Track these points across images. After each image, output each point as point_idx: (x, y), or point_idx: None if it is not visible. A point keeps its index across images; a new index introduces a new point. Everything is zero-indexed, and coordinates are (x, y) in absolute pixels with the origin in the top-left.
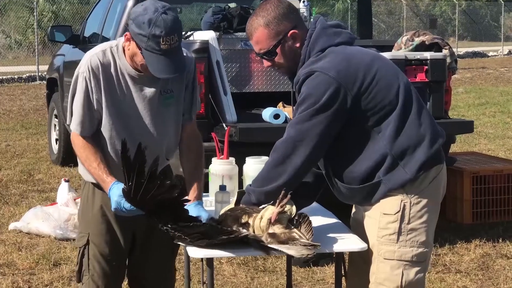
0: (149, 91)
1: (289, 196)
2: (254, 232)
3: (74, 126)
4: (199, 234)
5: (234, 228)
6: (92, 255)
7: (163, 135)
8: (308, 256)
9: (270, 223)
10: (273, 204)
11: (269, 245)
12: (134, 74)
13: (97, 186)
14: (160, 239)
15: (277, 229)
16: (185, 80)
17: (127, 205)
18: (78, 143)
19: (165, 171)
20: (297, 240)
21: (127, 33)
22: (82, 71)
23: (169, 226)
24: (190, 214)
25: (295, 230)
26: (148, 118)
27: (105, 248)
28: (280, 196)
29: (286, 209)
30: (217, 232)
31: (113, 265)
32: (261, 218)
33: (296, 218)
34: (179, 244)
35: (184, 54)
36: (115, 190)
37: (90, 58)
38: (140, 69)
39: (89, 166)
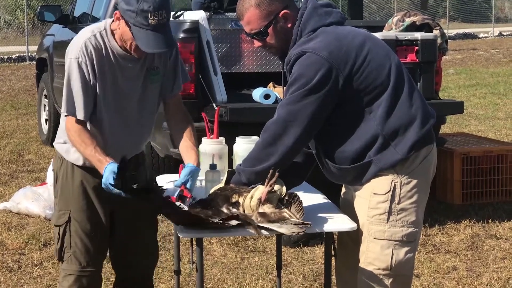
0: (137, 69)
1: (277, 174)
2: (244, 211)
3: (72, 111)
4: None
5: (224, 208)
6: (73, 231)
7: (150, 112)
8: (299, 234)
9: (260, 202)
10: (263, 184)
11: (259, 224)
12: (123, 54)
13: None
14: (141, 215)
15: (267, 208)
16: (169, 58)
17: (113, 188)
18: (73, 128)
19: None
20: (287, 219)
21: (116, 11)
22: (76, 56)
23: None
24: (184, 175)
25: (285, 210)
26: (137, 96)
27: (86, 224)
28: (269, 175)
29: (276, 188)
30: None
31: (95, 241)
32: (251, 197)
33: (286, 198)
34: (157, 222)
35: None
36: (109, 169)
37: (84, 43)
38: (129, 49)
39: (84, 150)
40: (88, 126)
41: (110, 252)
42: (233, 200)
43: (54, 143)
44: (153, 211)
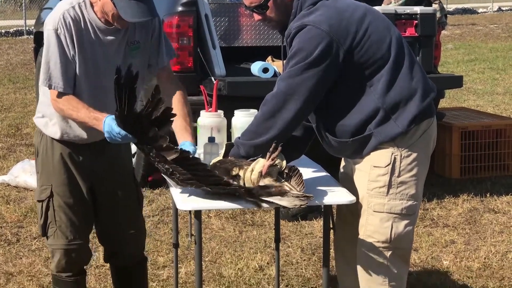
0: (117, 42)
1: (279, 148)
2: (244, 184)
3: (55, 84)
4: (190, 175)
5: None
6: (57, 206)
7: None
8: (301, 206)
9: (261, 176)
10: (264, 157)
11: (260, 197)
12: (103, 27)
13: (55, 139)
14: (121, 188)
15: (267, 181)
16: (150, 31)
17: (118, 129)
18: (60, 99)
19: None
20: (288, 192)
21: None
22: (55, 28)
23: (159, 159)
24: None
25: (285, 183)
26: None
27: (69, 198)
28: (271, 149)
29: (276, 162)
30: (212, 179)
31: (79, 214)
32: (252, 170)
33: (286, 171)
34: (142, 195)
35: None
36: (109, 119)
37: (62, 14)
38: (110, 20)
39: (78, 113)
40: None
41: (96, 228)
42: (234, 173)
43: (34, 118)
44: (135, 183)
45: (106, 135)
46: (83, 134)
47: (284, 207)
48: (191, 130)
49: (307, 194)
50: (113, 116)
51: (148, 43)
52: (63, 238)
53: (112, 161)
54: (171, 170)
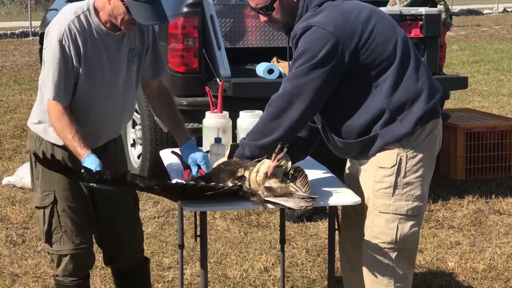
0: (121, 48)
1: (285, 150)
2: (250, 185)
3: (53, 94)
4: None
5: (229, 182)
6: (61, 211)
7: (132, 93)
8: (307, 208)
9: (266, 177)
10: (269, 158)
11: (266, 199)
12: (108, 33)
13: (55, 144)
14: (120, 194)
15: (273, 183)
16: (146, 40)
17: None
18: (55, 113)
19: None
20: (294, 193)
21: None
22: (59, 39)
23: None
24: (185, 154)
25: (291, 184)
26: (122, 78)
27: (73, 203)
28: (277, 150)
29: (281, 163)
30: (199, 190)
31: (84, 218)
32: (257, 171)
33: (291, 172)
34: (138, 199)
35: None
36: (88, 161)
37: (68, 26)
38: (119, 24)
39: (64, 137)
40: (76, 107)
41: (94, 232)
42: (239, 174)
43: (28, 124)
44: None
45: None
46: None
47: (290, 208)
48: (189, 134)
49: (312, 196)
50: (91, 161)
51: (144, 52)
52: (69, 243)
53: (109, 165)
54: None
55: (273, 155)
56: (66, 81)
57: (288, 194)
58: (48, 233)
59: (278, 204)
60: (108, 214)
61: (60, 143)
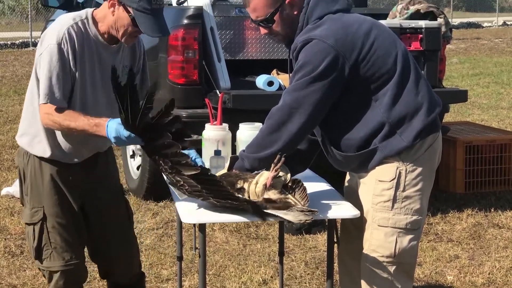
0: (114, 63)
1: (283, 159)
2: (249, 197)
3: (50, 97)
4: (199, 188)
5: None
6: (51, 227)
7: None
8: (306, 221)
9: (266, 188)
10: (268, 170)
11: (265, 211)
12: (104, 44)
13: (43, 159)
14: (112, 206)
15: (272, 194)
16: (137, 61)
17: (126, 133)
18: (56, 112)
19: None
20: (293, 206)
21: None
22: (58, 42)
23: (167, 167)
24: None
25: (289, 196)
26: (110, 90)
27: (62, 219)
28: (275, 160)
29: (280, 174)
30: (223, 194)
31: (74, 234)
32: (256, 183)
33: (290, 184)
34: (132, 213)
35: None
36: (112, 123)
37: (67, 29)
38: (120, 36)
39: (76, 122)
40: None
41: (88, 246)
42: (238, 186)
43: (16, 138)
44: (125, 201)
45: (113, 140)
46: (70, 155)
47: (289, 221)
48: None
49: (312, 209)
50: (117, 120)
51: (136, 68)
52: (59, 260)
53: (101, 179)
54: (181, 182)
55: (272, 165)
56: (63, 84)
57: (288, 207)
58: (38, 250)
59: (277, 216)
60: (100, 230)
61: (47, 155)
